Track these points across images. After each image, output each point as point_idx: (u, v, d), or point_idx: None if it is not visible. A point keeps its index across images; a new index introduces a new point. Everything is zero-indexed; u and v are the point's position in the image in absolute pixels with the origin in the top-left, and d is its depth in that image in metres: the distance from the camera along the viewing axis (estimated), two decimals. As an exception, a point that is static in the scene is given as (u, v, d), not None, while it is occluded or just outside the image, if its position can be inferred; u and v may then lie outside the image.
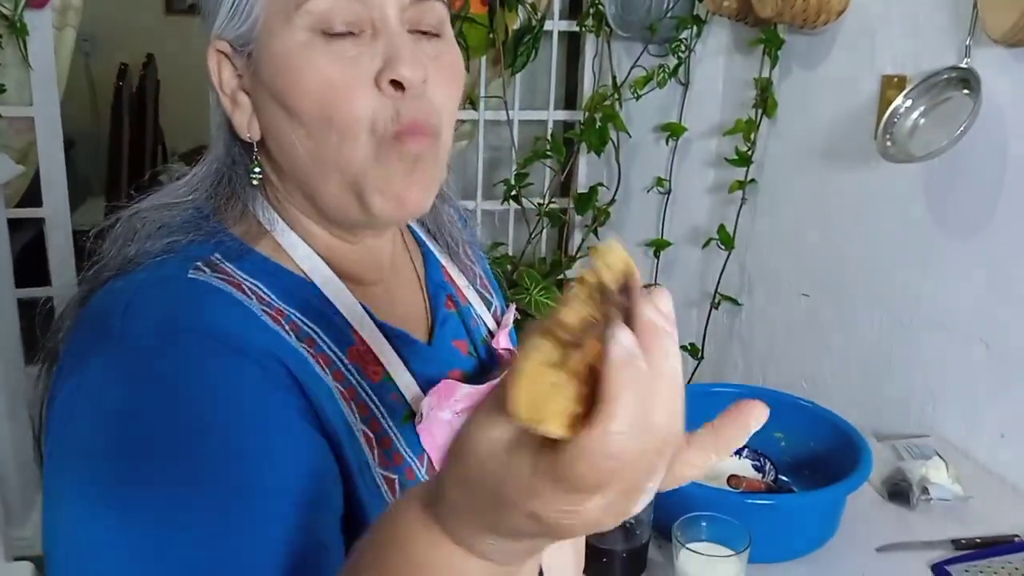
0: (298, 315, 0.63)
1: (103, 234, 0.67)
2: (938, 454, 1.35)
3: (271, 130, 0.65)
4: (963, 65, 1.39)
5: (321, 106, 0.61)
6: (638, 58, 2.23)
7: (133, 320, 0.57)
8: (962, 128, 1.34)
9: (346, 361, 0.65)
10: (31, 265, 2.60)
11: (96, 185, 4.32)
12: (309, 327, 0.63)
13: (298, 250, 0.67)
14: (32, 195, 2.44)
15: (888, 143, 1.49)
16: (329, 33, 0.61)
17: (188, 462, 0.53)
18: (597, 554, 1.07)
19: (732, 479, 1.23)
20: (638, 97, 2.22)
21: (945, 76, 1.43)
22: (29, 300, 2.42)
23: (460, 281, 0.83)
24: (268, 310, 0.61)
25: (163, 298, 0.59)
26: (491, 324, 0.83)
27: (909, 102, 1.48)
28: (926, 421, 1.54)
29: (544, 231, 2.55)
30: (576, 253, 2.54)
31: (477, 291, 0.84)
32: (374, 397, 0.66)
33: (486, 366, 0.79)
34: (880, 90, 1.60)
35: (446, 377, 0.71)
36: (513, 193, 2.42)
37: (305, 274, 0.66)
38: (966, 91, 1.39)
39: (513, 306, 0.87)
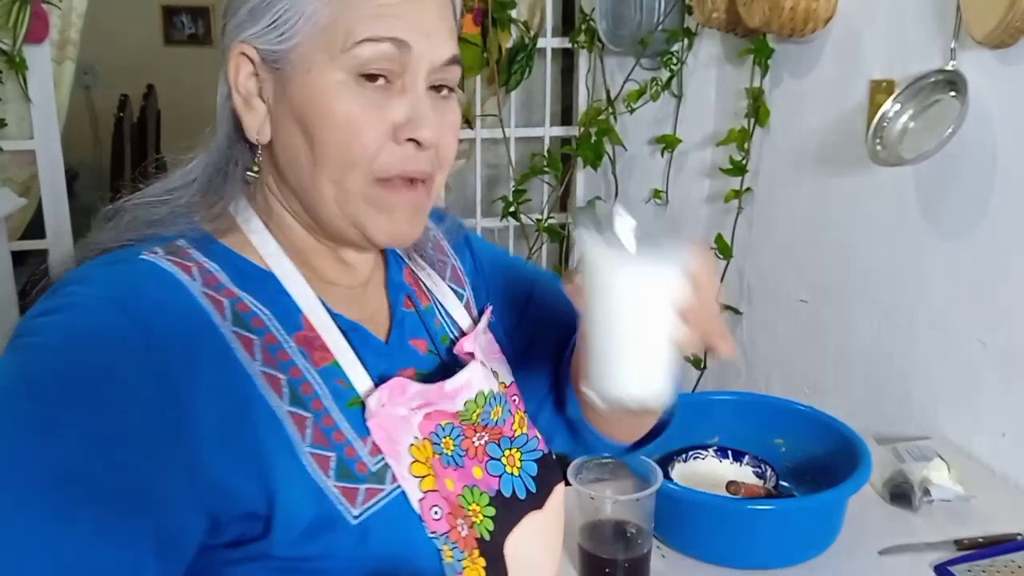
0: (249, 298, 0.68)
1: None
2: (939, 455, 1.35)
3: (283, 141, 0.70)
4: (949, 68, 1.40)
5: (340, 140, 0.67)
6: (631, 72, 2.25)
7: (75, 288, 0.63)
8: (950, 130, 1.35)
9: (292, 344, 0.69)
10: (36, 298, 2.62)
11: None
12: (258, 308, 0.68)
13: (267, 247, 0.72)
14: (35, 227, 2.46)
15: (878, 147, 1.50)
16: (364, 76, 0.67)
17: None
18: (598, 564, 1.07)
19: (731, 486, 1.23)
20: (632, 110, 2.24)
21: (932, 79, 1.44)
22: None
23: (426, 279, 0.86)
24: (210, 291, 0.66)
25: (107, 273, 0.65)
26: (463, 319, 0.86)
27: (898, 106, 1.49)
28: (927, 422, 1.54)
29: (544, 246, 2.57)
30: (576, 267, 2.55)
31: (448, 285, 0.88)
32: (319, 379, 0.69)
33: (446, 365, 0.81)
34: (869, 95, 1.61)
35: (396, 375, 0.74)
36: (512, 210, 2.44)
37: (267, 267, 0.72)
38: (953, 93, 1.40)
39: (489, 308, 0.89)
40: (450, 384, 0.75)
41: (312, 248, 0.75)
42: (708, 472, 1.31)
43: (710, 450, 1.34)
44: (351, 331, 0.73)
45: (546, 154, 2.50)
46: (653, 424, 0.93)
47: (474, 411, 0.77)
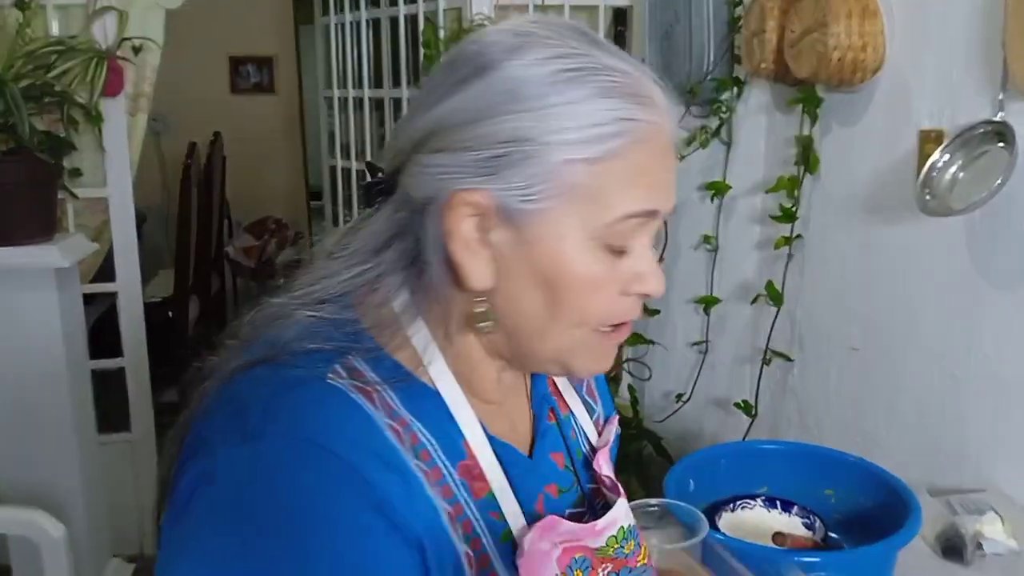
0: (418, 425, 0.67)
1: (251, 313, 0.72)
2: (993, 508, 1.33)
3: (510, 292, 0.68)
4: (997, 119, 1.41)
5: (581, 301, 0.67)
6: (680, 120, 2.28)
7: (268, 420, 0.62)
8: (999, 180, 1.36)
9: (456, 476, 0.68)
10: (104, 337, 2.72)
11: (166, 257, 4.50)
12: (426, 438, 0.67)
13: (435, 366, 0.70)
14: (106, 269, 2.56)
15: (928, 197, 1.51)
16: (611, 249, 0.67)
17: None
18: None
19: (777, 537, 1.24)
20: (682, 157, 2.26)
21: (980, 130, 1.44)
22: (102, 371, 2.53)
23: (564, 388, 0.85)
24: (392, 422, 0.65)
25: (299, 402, 0.63)
26: (592, 434, 0.85)
27: (947, 156, 1.49)
28: (982, 474, 1.52)
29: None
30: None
31: (582, 397, 0.87)
32: (477, 514, 0.69)
33: (580, 483, 0.80)
34: (918, 145, 1.62)
35: (543, 491, 0.74)
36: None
37: (433, 383, 0.70)
38: (1001, 144, 1.40)
39: (615, 419, 0.88)
40: (602, 523, 0.74)
41: (477, 367, 0.73)
42: (756, 522, 1.31)
43: (758, 500, 1.34)
44: (503, 452, 0.72)
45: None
46: None
47: (612, 546, 0.76)
